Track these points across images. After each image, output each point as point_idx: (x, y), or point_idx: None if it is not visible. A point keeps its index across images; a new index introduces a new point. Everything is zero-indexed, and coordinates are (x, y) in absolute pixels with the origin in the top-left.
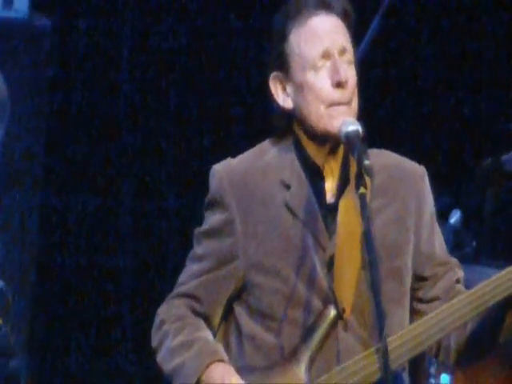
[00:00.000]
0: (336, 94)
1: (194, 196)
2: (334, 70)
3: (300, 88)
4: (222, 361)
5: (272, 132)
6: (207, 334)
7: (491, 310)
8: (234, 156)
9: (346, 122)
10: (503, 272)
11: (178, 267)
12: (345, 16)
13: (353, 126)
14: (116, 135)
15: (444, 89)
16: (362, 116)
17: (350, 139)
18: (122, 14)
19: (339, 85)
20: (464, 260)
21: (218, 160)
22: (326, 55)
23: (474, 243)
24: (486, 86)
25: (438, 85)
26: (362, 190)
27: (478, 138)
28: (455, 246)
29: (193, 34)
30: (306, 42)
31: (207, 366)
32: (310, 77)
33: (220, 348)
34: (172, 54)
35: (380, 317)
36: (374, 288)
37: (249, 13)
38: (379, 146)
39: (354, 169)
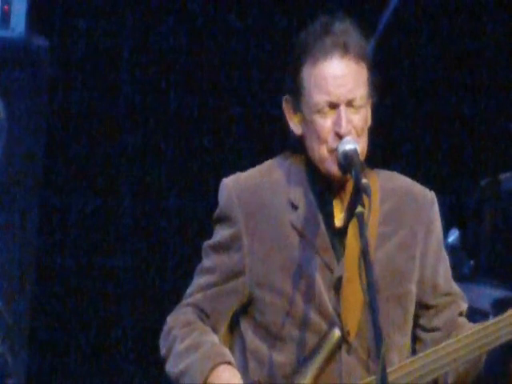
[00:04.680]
0: (337, 143)
1: (194, 196)
2: (337, 123)
3: (307, 123)
4: (229, 363)
5: (286, 145)
6: (214, 338)
7: (493, 355)
8: (232, 157)
9: (344, 140)
10: (507, 313)
11: (178, 267)
12: (362, 56)
13: (351, 145)
14: (116, 135)
15: (444, 89)
16: None
17: (347, 158)
18: (122, 14)
19: (340, 137)
20: (462, 279)
21: (218, 160)
22: (332, 106)
23: (472, 262)
24: (486, 86)
25: (438, 85)
26: (359, 208)
27: (477, 138)
28: (453, 265)
29: (193, 34)
30: (314, 87)
31: (214, 368)
32: (316, 119)
33: (227, 351)
34: (172, 53)
35: (377, 334)
36: (371, 307)
37: (249, 13)
38: (379, 147)
39: (351, 187)
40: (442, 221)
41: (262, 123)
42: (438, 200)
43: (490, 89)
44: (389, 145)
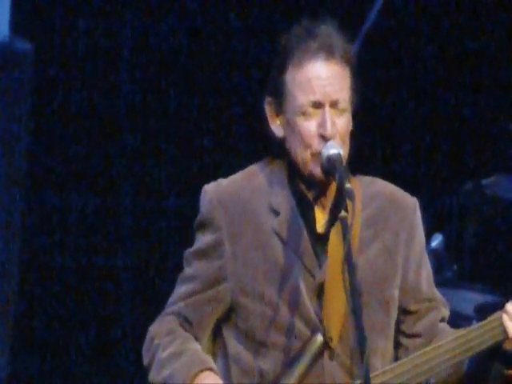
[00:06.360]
0: (322, 146)
1: (194, 196)
2: (322, 124)
3: (290, 126)
4: (210, 369)
5: (267, 150)
6: (197, 345)
7: (478, 360)
8: (233, 157)
9: (328, 144)
10: (490, 318)
11: (178, 267)
12: (346, 60)
13: (334, 150)
14: (116, 135)
15: (444, 89)
16: (362, 116)
17: (331, 162)
18: (122, 14)
19: (325, 139)
20: (445, 284)
21: (218, 160)
22: (317, 106)
23: (455, 267)
24: (486, 86)
25: (438, 85)
26: (342, 213)
27: (477, 138)
28: (436, 269)
29: (193, 34)
30: (299, 88)
31: (196, 375)
32: (300, 121)
33: (209, 358)
34: (172, 53)
35: (361, 339)
36: (354, 310)
37: (249, 13)
38: (379, 146)
39: (333, 192)
40: (424, 225)
41: (262, 123)
42: (435, 203)
43: (490, 89)
44: (389, 145)
